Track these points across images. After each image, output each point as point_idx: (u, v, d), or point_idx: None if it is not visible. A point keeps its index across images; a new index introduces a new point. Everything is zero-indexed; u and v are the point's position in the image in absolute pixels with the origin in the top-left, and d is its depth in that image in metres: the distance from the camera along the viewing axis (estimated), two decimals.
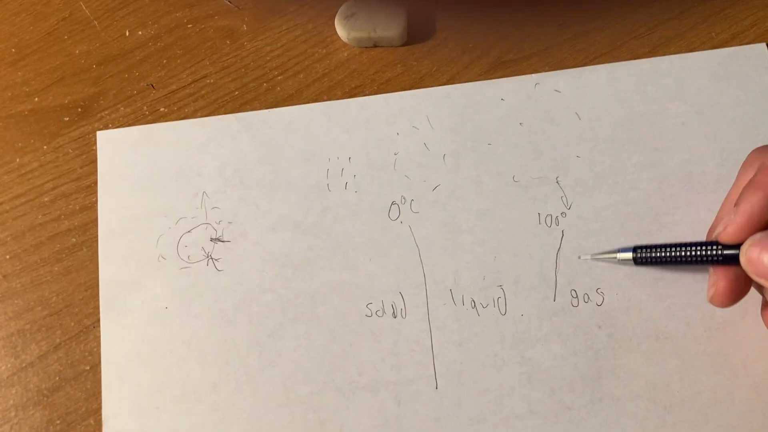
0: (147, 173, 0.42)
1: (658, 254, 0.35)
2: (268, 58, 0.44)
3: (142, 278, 0.40)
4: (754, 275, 0.30)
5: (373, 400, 0.37)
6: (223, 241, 0.40)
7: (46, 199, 0.42)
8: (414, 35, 0.44)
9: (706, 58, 0.42)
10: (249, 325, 0.38)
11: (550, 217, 0.39)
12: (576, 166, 0.40)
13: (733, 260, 0.31)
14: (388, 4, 0.43)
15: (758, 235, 0.29)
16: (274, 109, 0.42)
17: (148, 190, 0.41)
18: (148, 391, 0.38)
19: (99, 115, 0.43)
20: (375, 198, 0.40)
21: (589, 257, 0.38)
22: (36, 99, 0.44)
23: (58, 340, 0.39)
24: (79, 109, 0.43)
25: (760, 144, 0.40)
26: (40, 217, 0.41)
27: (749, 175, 0.31)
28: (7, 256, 0.41)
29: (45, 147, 0.43)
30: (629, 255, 0.36)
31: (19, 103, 0.44)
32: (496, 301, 0.38)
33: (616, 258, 0.37)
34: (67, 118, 0.43)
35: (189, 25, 0.45)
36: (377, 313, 0.38)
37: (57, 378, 0.38)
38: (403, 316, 0.38)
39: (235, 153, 0.42)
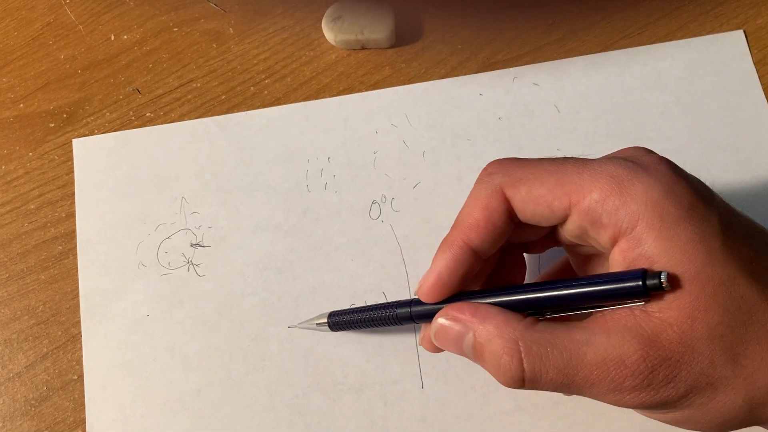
0: (125, 180, 0.41)
1: (352, 317, 0.34)
2: (255, 62, 0.44)
3: (123, 286, 0.39)
4: (439, 345, 0.30)
5: (359, 401, 0.37)
6: (203, 246, 0.40)
7: (31, 206, 0.41)
8: (402, 37, 0.43)
9: (684, 47, 0.42)
10: (232, 330, 0.38)
11: None
12: None
13: (427, 318, 0.31)
14: (375, 6, 0.42)
15: (440, 317, 0.29)
16: (251, 111, 0.42)
17: (126, 197, 0.41)
18: (132, 400, 0.37)
19: (84, 120, 0.43)
20: (355, 197, 0.40)
21: (296, 326, 0.38)
22: (21, 105, 0.43)
23: (45, 350, 0.39)
24: (65, 115, 0.43)
25: (740, 131, 0.40)
26: (26, 224, 0.41)
27: (482, 194, 0.29)
28: None
29: (30, 154, 0.42)
30: (324, 320, 0.36)
31: (3, 109, 0.43)
32: None
33: (314, 325, 0.36)
34: (53, 124, 0.43)
35: (175, 29, 0.45)
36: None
37: (44, 388, 0.38)
38: None
39: (213, 156, 0.41)
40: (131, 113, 0.43)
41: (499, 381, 0.27)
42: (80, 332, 0.39)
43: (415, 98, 0.42)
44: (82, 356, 0.38)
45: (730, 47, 0.41)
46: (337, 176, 0.40)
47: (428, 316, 0.30)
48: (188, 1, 0.45)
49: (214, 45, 0.44)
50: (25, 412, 0.38)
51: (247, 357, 0.38)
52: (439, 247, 0.29)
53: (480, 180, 0.29)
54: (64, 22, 0.45)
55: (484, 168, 0.30)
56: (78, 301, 0.39)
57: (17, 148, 0.42)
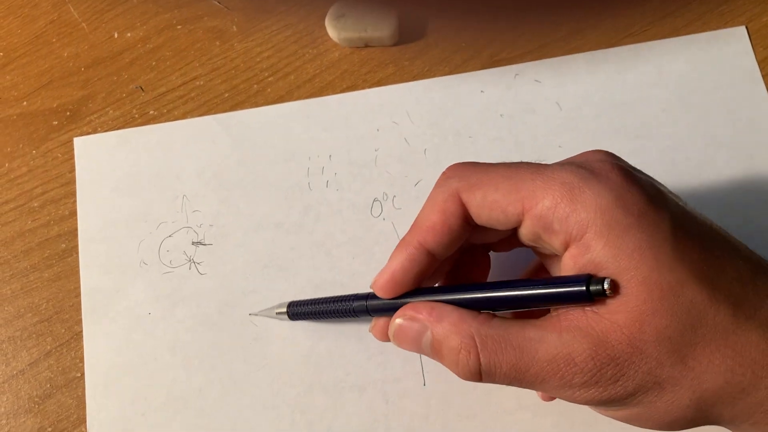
0: (126, 178, 0.41)
1: (310, 309, 0.35)
2: (258, 59, 0.43)
3: (125, 284, 0.39)
4: (397, 344, 0.30)
5: (361, 399, 0.37)
6: (204, 245, 0.40)
7: (35, 204, 0.41)
8: (405, 35, 0.43)
9: (686, 43, 0.41)
10: (234, 328, 0.38)
11: None
12: (558, 156, 0.39)
13: (382, 312, 0.32)
14: (378, 3, 0.42)
15: (397, 317, 0.30)
16: (253, 109, 0.42)
17: (127, 196, 0.41)
18: (133, 398, 0.37)
19: (88, 118, 0.43)
20: (357, 195, 0.40)
21: (256, 313, 0.38)
22: (24, 103, 0.43)
23: (48, 347, 0.39)
24: (68, 113, 0.43)
25: (742, 128, 0.39)
26: (29, 222, 0.41)
27: (440, 198, 0.29)
28: None
29: (34, 151, 0.42)
30: (284, 309, 0.36)
31: (7, 107, 0.43)
32: None
33: (274, 313, 0.37)
34: (56, 122, 0.43)
35: (178, 27, 0.44)
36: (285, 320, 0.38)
37: (48, 385, 0.38)
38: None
39: (214, 155, 0.41)
40: (134, 111, 0.43)
41: (458, 375, 0.28)
42: (83, 330, 0.39)
43: (416, 96, 0.42)
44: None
45: (732, 44, 0.41)
46: (339, 174, 0.40)
47: (383, 311, 0.31)
48: None
49: (218, 43, 0.44)
50: (28, 410, 0.38)
51: (248, 355, 0.37)
52: (397, 246, 0.30)
53: (438, 184, 0.30)
54: (68, 20, 0.45)
55: (443, 172, 0.30)
56: (81, 299, 0.39)
57: (20, 145, 0.42)
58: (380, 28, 0.42)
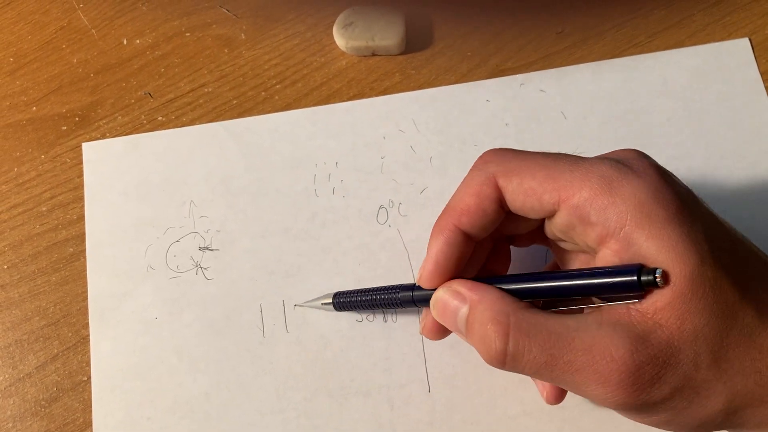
0: (134, 183, 0.41)
1: (356, 299, 0.36)
2: (266, 67, 0.44)
3: (132, 289, 0.39)
4: (448, 327, 0.30)
5: (366, 404, 0.37)
6: (211, 250, 0.40)
7: (43, 208, 0.42)
8: (412, 44, 0.44)
9: (690, 54, 0.42)
10: (240, 333, 0.38)
11: None
12: None
13: (425, 303, 0.32)
14: (386, 12, 0.42)
15: (441, 290, 0.30)
16: (260, 116, 0.42)
17: (135, 201, 0.41)
18: (139, 402, 0.37)
19: (96, 124, 0.43)
20: (363, 202, 0.40)
21: (302, 304, 0.38)
22: (34, 108, 0.44)
23: (55, 351, 0.39)
24: (77, 119, 0.43)
25: (745, 138, 0.40)
26: (37, 226, 0.41)
27: (476, 181, 0.29)
28: (5, 266, 0.41)
29: (43, 156, 0.43)
30: (329, 300, 0.37)
31: (17, 112, 0.44)
32: None
33: (320, 304, 0.37)
34: (65, 128, 0.43)
35: (187, 34, 0.45)
36: (368, 317, 0.38)
37: (54, 389, 0.38)
38: (394, 320, 0.38)
39: (222, 161, 0.41)
40: (143, 117, 0.43)
41: (482, 355, 0.27)
42: (90, 334, 0.39)
43: (422, 104, 0.42)
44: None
45: (735, 55, 0.42)
46: (345, 181, 0.41)
47: (429, 301, 0.31)
48: (201, 6, 0.45)
49: (226, 50, 0.44)
50: (35, 413, 0.38)
51: (254, 360, 0.38)
52: (432, 233, 0.30)
53: (475, 167, 0.30)
54: (78, 26, 0.45)
55: (480, 156, 0.30)
56: (88, 303, 0.39)
57: (30, 150, 0.43)
58: (387, 37, 0.42)
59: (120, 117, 0.43)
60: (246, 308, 0.39)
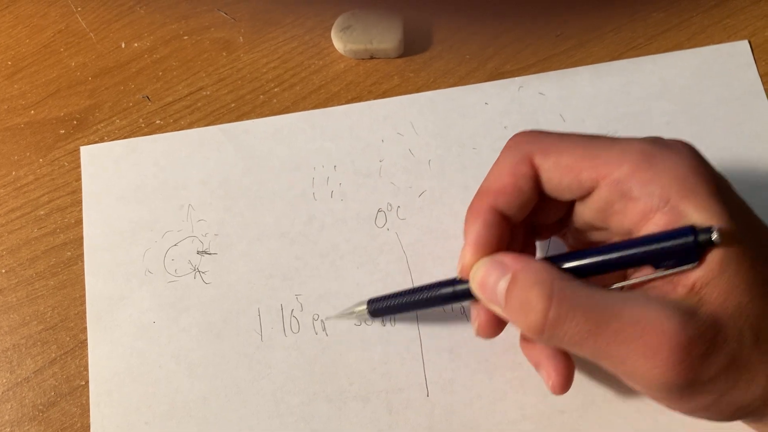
0: (132, 187, 0.41)
1: (394, 302, 0.34)
2: (264, 70, 0.44)
3: (129, 293, 0.39)
4: (486, 302, 0.28)
5: (365, 409, 0.37)
6: (209, 254, 0.40)
7: (41, 212, 0.41)
8: (410, 47, 0.43)
9: (689, 57, 0.42)
10: (238, 337, 0.38)
11: None
12: None
13: (467, 297, 0.30)
14: (384, 15, 0.42)
15: (482, 261, 0.28)
16: (258, 119, 0.42)
17: (133, 204, 0.41)
18: (137, 407, 0.37)
19: (94, 127, 0.43)
20: (361, 205, 0.40)
21: (333, 317, 0.38)
22: (32, 112, 0.44)
23: (53, 355, 0.39)
24: (75, 122, 0.43)
25: (744, 142, 0.40)
26: (35, 230, 0.41)
27: (510, 161, 0.28)
28: (3, 270, 0.40)
29: (41, 160, 0.43)
30: (363, 308, 0.35)
31: (15, 115, 0.44)
32: None
33: (354, 313, 0.36)
34: (63, 131, 0.43)
35: (185, 37, 0.45)
36: (366, 321, 0.38)
37: (52, 393, 0.38)
38: (393, 324, 0.38)
39: (220, 164, 0.41)
40: (141, 120, 0.43)
41: (519, 323, 0.26)
42: (87, 338, 0.39)
43: (420, 107, 0.42)
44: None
45: (735, 57, 0.42)
46: (343, 184, 0.41)
47: (471, 295, 0.30)
48: (199, 9, 0.45)
49: (224, 53, 0.44)
50: (32, 417, 0.38)
51: (252, 364, 0.38)
52: (467, 218, 0.29)
53: (508, 147, 0.29)
54: (76, 30, 0.45)
55: (512, 138, 0.29)
56: (86, 307, 0.39)
57: (28, 154, 0.43)
58: (385, 40, 0.42)
59: (118, 120, 0.43)
60: (244, 312, 0.38)
